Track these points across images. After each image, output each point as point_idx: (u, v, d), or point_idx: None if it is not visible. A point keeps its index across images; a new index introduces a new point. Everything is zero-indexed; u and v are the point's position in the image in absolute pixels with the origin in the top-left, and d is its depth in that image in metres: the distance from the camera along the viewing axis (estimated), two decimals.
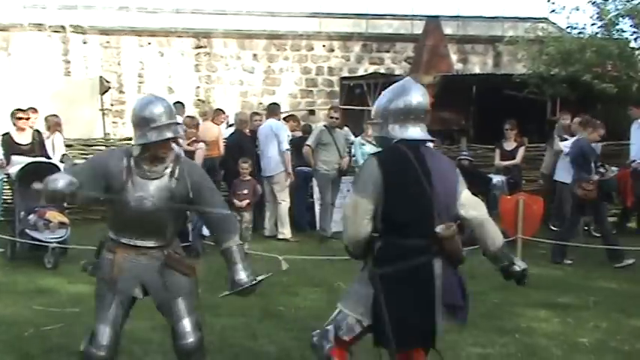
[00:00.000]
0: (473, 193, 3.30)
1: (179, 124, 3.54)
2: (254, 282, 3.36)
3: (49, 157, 8.06)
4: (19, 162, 7.52)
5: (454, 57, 18.40)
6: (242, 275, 3.33)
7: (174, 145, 3.40)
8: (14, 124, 7.96)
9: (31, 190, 7.20)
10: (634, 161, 8.95)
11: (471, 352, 4.53)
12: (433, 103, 14.87)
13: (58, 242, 7.00)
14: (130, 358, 4.16)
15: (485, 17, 19.87)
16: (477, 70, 19.31)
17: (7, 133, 7.93)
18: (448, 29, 18.26)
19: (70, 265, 6.88)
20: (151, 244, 3.32)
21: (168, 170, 3.30)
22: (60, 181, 3.12)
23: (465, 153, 9.78)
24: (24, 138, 7.93)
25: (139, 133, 3.25)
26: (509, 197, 7.35)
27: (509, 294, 6.14)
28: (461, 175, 3.28)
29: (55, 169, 7.76)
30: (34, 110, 8.17)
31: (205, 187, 3.39)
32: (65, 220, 7.34)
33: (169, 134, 3.22)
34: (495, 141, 10.03)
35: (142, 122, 3.24)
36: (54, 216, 7.25)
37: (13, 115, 8.00)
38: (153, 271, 3.31)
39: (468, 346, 4.62)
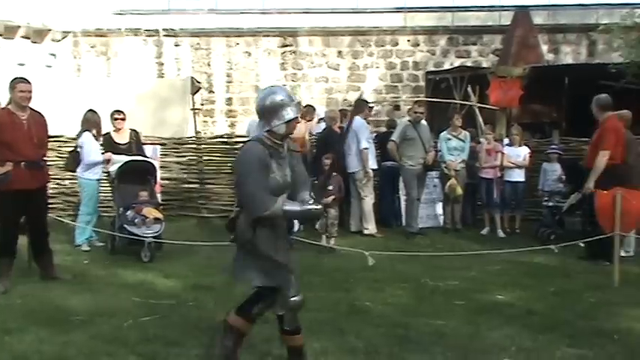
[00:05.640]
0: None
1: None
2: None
3: (145, 155, 8.38)
4: (117, 161, 7.87)
5: (545, 47, 17.75)
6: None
7: None
8: (113, 125, 8.34)
9: (128, 188, 7.51)
10: None
11: (567, 353, 4.36)
12: (523, 95, 14.35)
13: (154, 237, 7.28)
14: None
15: (578, 5, 19.05)
16: (569, 60, 18.53)
17: (108, 133, 8.31)
18: (538, 19, 17.64)
19: (164, 259, 7.17)
20: None
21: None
22: (287, 205, 3.71)
23: (554, 146, 9.37)
24: (122, 138, 8.29)
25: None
26: (606, 192, 7.01)
27: (606, 293, 5.89)
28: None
29: (150, 166, 8.10)
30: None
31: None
32: (160, 215, 7.62)
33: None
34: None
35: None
36: (150, 212, 7.56)
37: (111, 116, 8.38)
38: None
39: (564, 347, 4.46)
